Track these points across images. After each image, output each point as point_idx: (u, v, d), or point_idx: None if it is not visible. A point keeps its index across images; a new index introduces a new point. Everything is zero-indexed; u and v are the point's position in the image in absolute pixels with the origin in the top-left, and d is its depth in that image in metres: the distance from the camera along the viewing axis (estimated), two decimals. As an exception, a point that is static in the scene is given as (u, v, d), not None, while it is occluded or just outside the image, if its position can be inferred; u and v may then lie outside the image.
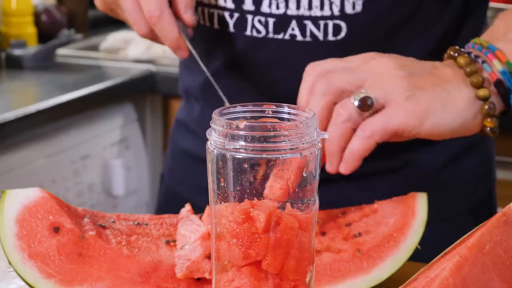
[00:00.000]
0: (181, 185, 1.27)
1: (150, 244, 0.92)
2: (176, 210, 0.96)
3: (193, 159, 1.24)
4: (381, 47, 1.07)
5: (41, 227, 0.88)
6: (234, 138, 0.70)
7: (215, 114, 0.72)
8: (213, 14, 1.11)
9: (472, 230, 0.81)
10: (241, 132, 0.70)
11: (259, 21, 1.08)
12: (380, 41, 1.08)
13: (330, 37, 1.07)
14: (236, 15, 1.09)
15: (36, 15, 2.59)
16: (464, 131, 0.95)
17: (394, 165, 1.14)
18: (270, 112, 0.74)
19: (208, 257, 0.87)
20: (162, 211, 1.22)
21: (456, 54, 0.96)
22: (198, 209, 0.95)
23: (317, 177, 0.73)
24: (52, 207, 0.89)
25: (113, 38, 2.59)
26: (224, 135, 0.71)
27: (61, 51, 2.53)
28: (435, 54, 1.06)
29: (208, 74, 1.06)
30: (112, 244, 0.89)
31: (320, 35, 1.07)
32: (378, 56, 0.96)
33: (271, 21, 1.08)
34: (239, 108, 0.74)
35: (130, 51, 2.51)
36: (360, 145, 0.92)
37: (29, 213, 0.88)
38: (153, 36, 1.05)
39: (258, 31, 1.09)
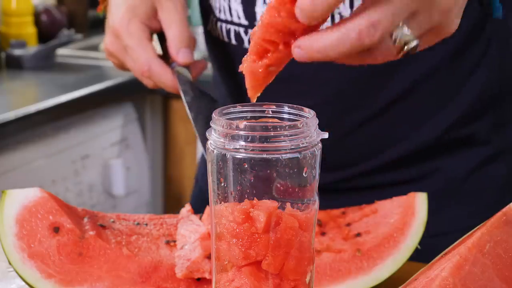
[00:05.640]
0: None
1: (150, 244, 0.92)
2: None
3: None
4: None
5: (41, 227, 0.88)
6: (234, 138, 0.70)
7: (215, 114, 0.72)
8: (230, 30, 1.11)
9: (472, 230, 0.81)
10: (241, 132, 0.70)
11: None
12: None
13: None
14: (250, 31, 1.09)
15: (36, 15, 2.59)
16: None
17: (417, 175, 1.13)
18: (270, 112, 0.74)
19: (208, 257, 0.87)
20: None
21: None
22: None
23: (317, 177, 0.73)
24: (52, 207, 0.89)
25: (113, 38, 2.59)
26: (224, 135, 0.71)
27: (61, 51, 2.53)
28: (459, 54, 1.05)
29: (192, 122, 1.04)
30: (112, 244, 0.89)
31: None
32: None
33: None
34: (239, 108, 0.74)
35: (130, 51, 2.51)
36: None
37: (29, 213, 0.88)
38: (157, 87, 1.09)
39: None
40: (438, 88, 1.09)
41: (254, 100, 0.74)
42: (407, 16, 0.72)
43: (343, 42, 0.71)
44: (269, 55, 0.72)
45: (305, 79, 1.08)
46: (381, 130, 1.10)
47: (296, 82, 1.08)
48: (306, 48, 0.72)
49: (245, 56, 0.73)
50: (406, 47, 0.74)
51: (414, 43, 0.74)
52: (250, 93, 0.74)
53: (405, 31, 0.73)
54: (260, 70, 0.72)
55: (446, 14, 0.76)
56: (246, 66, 0.73)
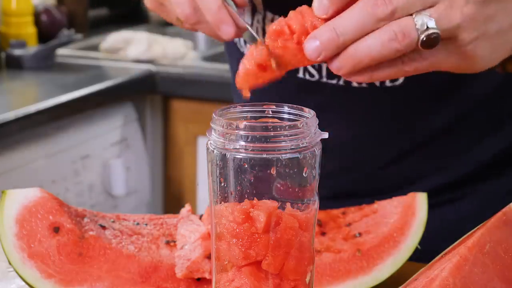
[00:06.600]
0: None
1: (150, 244, 0.92)
2: None
3: None
4: (443, 87, 1.02)
5: (41, 227, 0.88)
6: (234, 138, 0.70)
7: (215, 114, 0.72)
8: None
9: (472, 230, 0.81)
10: (241, 132, 0.70)
11: (313, 65, 1.02)
12: (441, 81, 1.02)
13: (388, 83, 1.01)
14: None
15: (36, 15, 2.59)
16: None
17: (453, 199, 1.10)
18: (270, 112, 0.74)
19: (208, 257, 0.87)
20: None
21: None
22: None
23: (317, 177, 0.73)
24: (52, 207, 0.89)
25: (113, 38, 2.59)
26: (224, 135, 0.71)
27: (61, 51, 2.53)
28: (503, 87, 1.03)
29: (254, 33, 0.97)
30: (112, 244, 0.89)
31: (377, 82, 1.00)
32: None
33: (324, 66, 1.02)
34: (239, 108, 0.74)
35: (130, 51, 2.51)
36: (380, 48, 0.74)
37: (29, 213, 0.88)
38: (196, 19, 0.92)
39: (311, 75, 1.03)
40: (486, 118, 1.06)
41: (247, 95, 0.78)
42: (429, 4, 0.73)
43: (357, 15, 0.74)
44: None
45: (352, 110, 1.05)
46: (421, 160, 1.07)
47: (334, 112, 1.06)
48: (321, 34, 0.75)
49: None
50: (423, 34, 0.73)
51: (432, 31, 0.73)
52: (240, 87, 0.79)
53: (426, 18, 0.73)
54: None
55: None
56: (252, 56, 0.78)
